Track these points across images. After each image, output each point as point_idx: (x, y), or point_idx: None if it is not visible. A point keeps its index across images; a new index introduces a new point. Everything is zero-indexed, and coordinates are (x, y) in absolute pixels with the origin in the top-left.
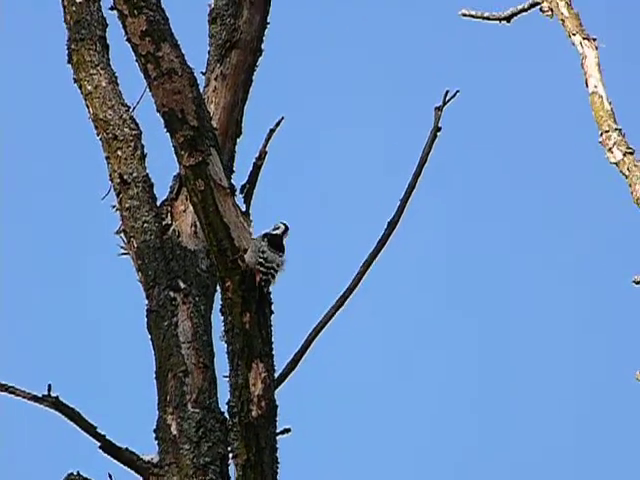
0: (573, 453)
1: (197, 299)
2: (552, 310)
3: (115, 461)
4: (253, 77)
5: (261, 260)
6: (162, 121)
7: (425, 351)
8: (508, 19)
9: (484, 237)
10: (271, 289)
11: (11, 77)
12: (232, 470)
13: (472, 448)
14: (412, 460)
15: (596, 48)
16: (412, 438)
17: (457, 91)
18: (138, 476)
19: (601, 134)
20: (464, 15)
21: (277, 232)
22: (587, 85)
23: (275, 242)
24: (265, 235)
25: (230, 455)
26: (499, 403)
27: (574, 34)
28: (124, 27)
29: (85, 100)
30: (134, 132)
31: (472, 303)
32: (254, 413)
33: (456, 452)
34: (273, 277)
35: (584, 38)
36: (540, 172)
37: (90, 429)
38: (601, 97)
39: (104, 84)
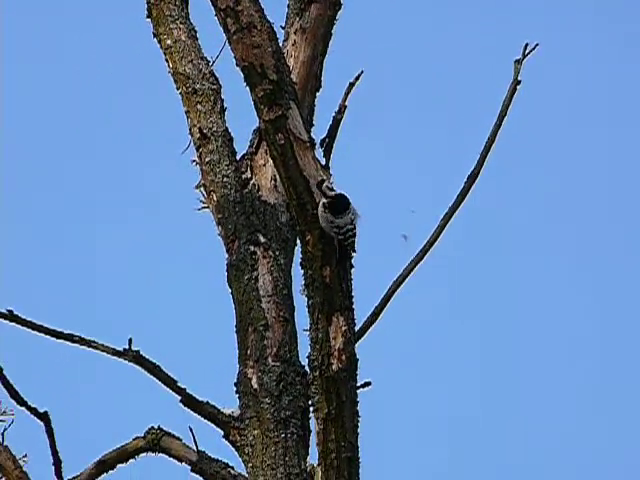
0: (581, 457)
1: (277, 253)
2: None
3: (196, 415)
4: (332, 30)
5: (335, 230)
6: (241, 75)
7: (503, 301)
8: None
9: (559, 198)
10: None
11: (91, 30)
12: (313, 423)
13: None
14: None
15: None
16: (487, 389)
17: (536, 44)
18: (219, 430)
19: None
20: None
21: (332, 193)
22: None
23: (335, 205)
24: (324, 205)
25: (311, 409)
26: None
27: None
28: None
29: (164, 54)
30: (214, 86)
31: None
32: (334, 367)
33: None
34: (354, 235)
35: None
36: (619, 135)
37: (171, 383)
38: None
39: (183, 38)
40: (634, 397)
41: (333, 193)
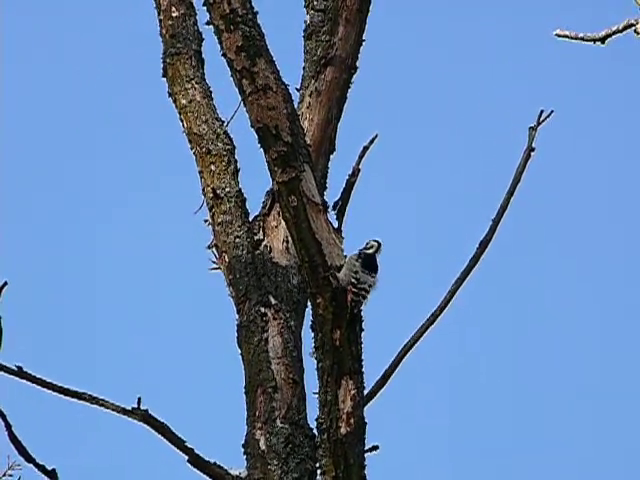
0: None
1: (288, 315)
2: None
3: (203, 475)
4: (347, 94)
5: (354, 281)
6: (256, 136)
7: (520, 368)
8: (603, 40)
9: (580, 262)
10: (362, 308)
11: (107, 90)
12: None
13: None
14: None
15: None
16: (500, 458)
17: (552, 111)
18: None
19: None
20: (558, 35)
21: (370, 251)
22: None
23: (368, 262)
24: (359, 255)
25: (318, 472)
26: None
27: None
28: (220, 42)
29: (179, 114)
30: (228, 147)
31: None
32: (343, 430)
33: None
34: (364, 297)
35: None
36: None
37: (179, 443)
38: None
39: (198, 98)
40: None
41: (372, 251)
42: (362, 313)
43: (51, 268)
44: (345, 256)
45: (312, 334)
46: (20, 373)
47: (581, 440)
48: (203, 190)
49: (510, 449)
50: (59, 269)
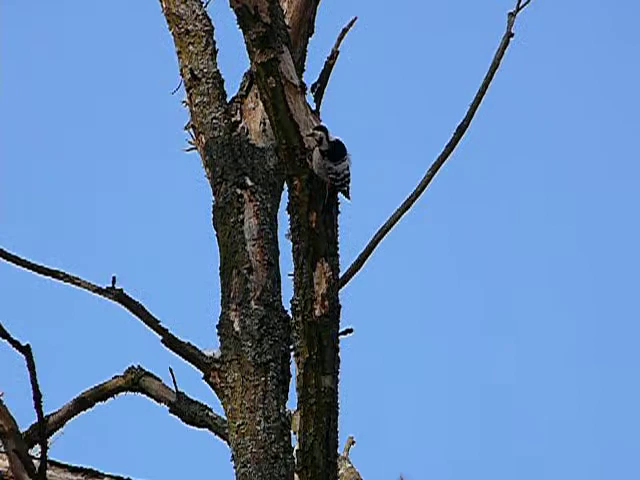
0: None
1: (264, 197)
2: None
3: (176, 356)
4: None
5: (332, 176)
6: (235, 17)
7: (490, 255)
8: None
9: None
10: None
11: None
12: (294, 368)
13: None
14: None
15: None
16: (466, 341)
17: None
18: (199, 371)
19: None
20: None
21: (324, 142)
22: None
23: (334, 153)
24: (320, 152)
25: (292, 353)
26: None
27: None
28: None
29: None
30: (206, 27)
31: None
32: (317, 312)
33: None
34: (349, 181)
35: None
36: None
37: (153, 323)
38: None
39: None
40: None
41: (330, 140)
42: (338, 196)
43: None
44: (314, 156)
45: (288, 216)
46: None
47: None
48: (181, 71)
49: (479, 330)
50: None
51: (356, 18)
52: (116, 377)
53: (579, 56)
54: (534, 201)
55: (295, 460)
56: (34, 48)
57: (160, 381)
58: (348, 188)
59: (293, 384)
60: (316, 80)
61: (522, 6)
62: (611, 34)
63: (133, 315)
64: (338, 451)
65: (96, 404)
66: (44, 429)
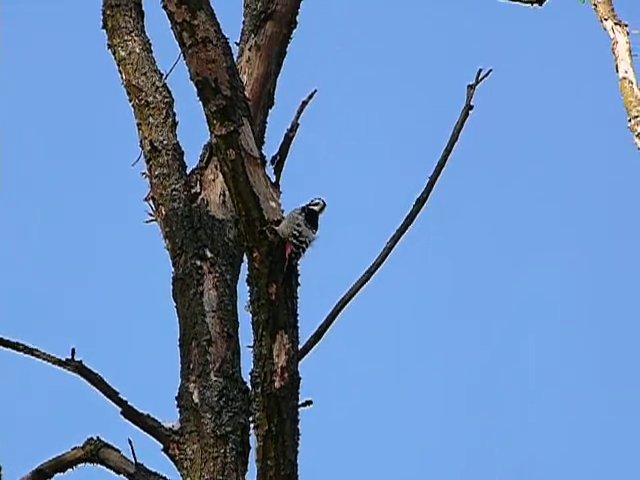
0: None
1: (223, 268)
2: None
3: (136, 427)
4: (287, 49)
5: (295, 233)
6: (195, 90)
7: (453, 329)
8: (540, 2)
9: (511, 217)
10: (299, 262)
11: (43, 41)
12: (253, 440)
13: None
14: (435, 438)
15: (627, 34)
16: (436, 416)
17: (490, 70)
18: (159, 443)
19: (630, 120)
20: None
21: (315, 208)
22: (617, 71)
23: (311, 218)
24: (303, 209)
25: (251, 425)
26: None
27: (606, 19)
28: None
29: (118, 66)
30: (166, 99)
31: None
32: (277, 384)
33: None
34: (303, 251)
35: (615, 23)
36: (568, 155)
37: (112, 395)
38: (631, 83)
39: (138, 50)
40: None
41: (317, 209)
42: (298, 268)
43: None
44: (282, 211)
45: (248, 288)
46: None
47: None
48: (141, 142)
49: (447, 401)
50: None
51: (315, 91)
52: (75, 448)
53: (540, 125)
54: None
55: None
56: None
57: (119, 452)
58: (300, 255)
59: (253, 456)
60: (276, 152)
61: (481, 79)
62: (573, 103)
63: (92, 387)
64: None
65: (55, 475)
66: None
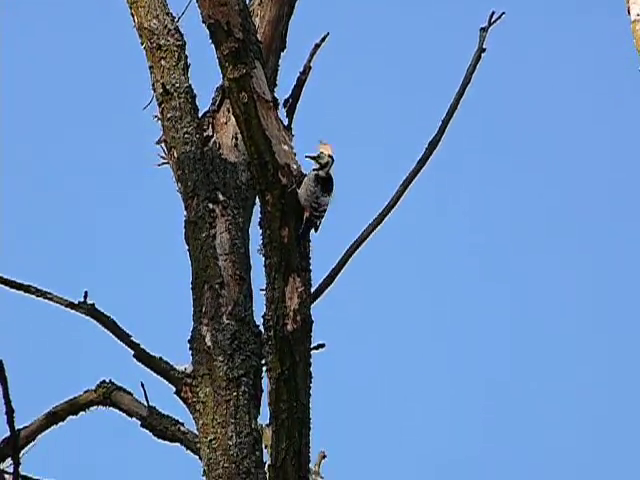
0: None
1: (236, 211)
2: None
3: (148, 370)
4: None
5: (314, 205)
6: (207, 32)
7: (464, 272)
8: None
9: (523, 161)
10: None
11: None
12: (266, 383)
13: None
14: (443, 380)
15: None
16: (444, 359)
17: (502, 13)
18: (171, 386)
19: None
20: None
21: (325, 170)
22: (629, 13)
23: (326, 185)
24: (317, 177)
25: (264, 368)
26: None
27: None
28: None
29: (130, 9)
30: (178, 42)
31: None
32: (289, 327)
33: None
34: (322, 217)
35: None
36: (577, 100)
37: (124, 337)
38: None
39: None
40: None
41: (326, 170)
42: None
43: None
44: (295, 153)
45: (260, 231)
46: None
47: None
48: (153, 85)
49: (453, 347)
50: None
51: (328, 34)
52: (88, 391)
53: (550, 70)
54: (514, 217)
55: (267, 475)
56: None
57: (132, 395)
58: (320, 222)
59: (265, 399)
60: (288, 95)
61: (494, 22)
62: (584, 47)
63: (105, 330)
64: (310, 465)
65: (68, 418)
66: (17, 443)
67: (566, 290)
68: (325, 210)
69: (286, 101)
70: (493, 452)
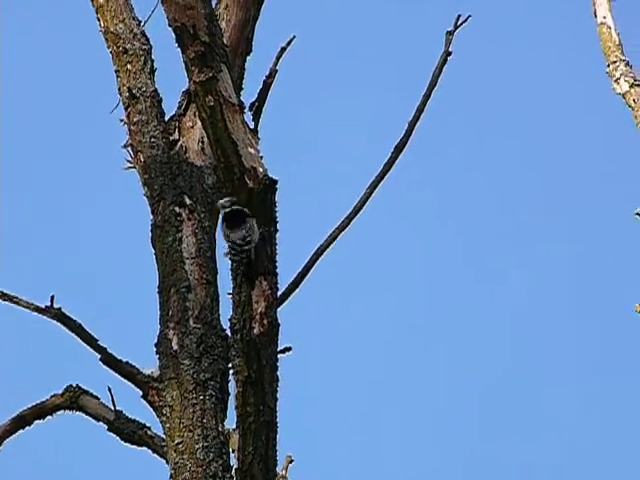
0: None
1: (202, 215)
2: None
3: (115, 374)
4: None
5: (228, 244)
6: (173, 36)
7: (427, 277)
8: None
9: (492, 166)
10: (277, 211)
11: None
12: (232, 386)
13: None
14: (415, 388)
15: None
16: (412, 368)
17: (469, 16)
18: (138, 390)
19: (608, 65)
20: None
21: (226, 209)
22: (596, 15)
23: (231, 219)
24: (222, 217)
25: (231, 372)
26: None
27: None
28: None
29: (97, 13)
30: (144, 46)
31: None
32: (256, 330)
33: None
34: (242, 252)
35: None
36: (546, 100)
37: (91, 342)
38: (609, 28)
39: None
40: None
41: (230, 209)
42: (277, 213)
43: None
44: (261, 157)
45: None
46: None
47: None
48: (119, 89)
49: (419, 346)
50: None
51: (294, 37)
52: (54, 396)
53: (518, 71)
54: (480, 220)
55: (234, 479)
56: None
57: (98, 399)
58: (249, 253)
59: (232, 402)
60: (255, 99)
61: (460, 25)
62: (551, 49)
63: (72, 334)
64: (277, 469)
65: (35, 422)
66: None
67: (558, 284)
68: (240, 244)
69: (252, 104)
70: (461, 460)
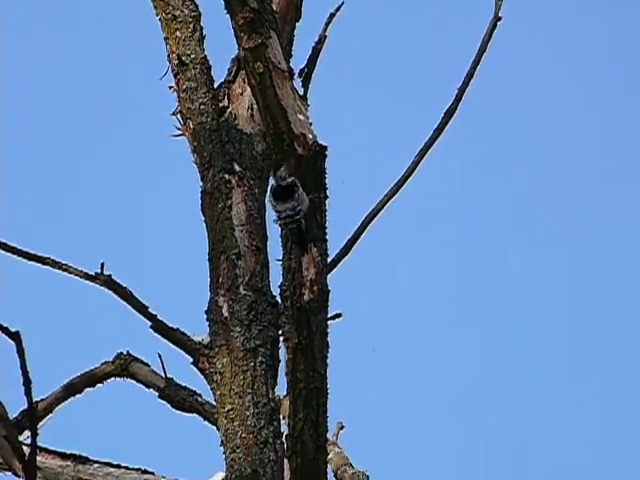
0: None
1: (252, 182)
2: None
3: (165, 341)
4: None
5: (276, 214)
6: (222, 2)
7: (483, 242)
8: None
9: (541, 128)
10: (326, 176)
11: None
12: (283, 353)
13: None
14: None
15: None
16: (465, 328)
17: None
18: (188, 357)
19: None
20: None
21: (277, 183)
22: None
23: (279, 192)
24: (270, 188)
25: (281, 338)
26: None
27: None
28: None
29: None
30: (193, 13)
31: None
32: (306, 297)
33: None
34: (293, 222)
35: None
36: (595, 60)
37: (142, 309)
38: None
39: None
40: None
41: (284, 182)
42: (326, 179)
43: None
44: (310, 123)
45: None
46: None
47: None
48: (168, 56)
49: (473, 316)
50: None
51: (343, 3)
52: (105, 363)
53: (568, 39)
54: (530, 188)
55: (284, 445)
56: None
57: (149, 367)
58: (293, 229)
59: (282, 369)
60: (304, 65)
61: None
62: (604, 19)
63: (122, 301)
64: (327, 436)
65: (85, 390)
66: (34, 415)
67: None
68: (290, 214)
69: (301, 71)
70: (513, 433)
